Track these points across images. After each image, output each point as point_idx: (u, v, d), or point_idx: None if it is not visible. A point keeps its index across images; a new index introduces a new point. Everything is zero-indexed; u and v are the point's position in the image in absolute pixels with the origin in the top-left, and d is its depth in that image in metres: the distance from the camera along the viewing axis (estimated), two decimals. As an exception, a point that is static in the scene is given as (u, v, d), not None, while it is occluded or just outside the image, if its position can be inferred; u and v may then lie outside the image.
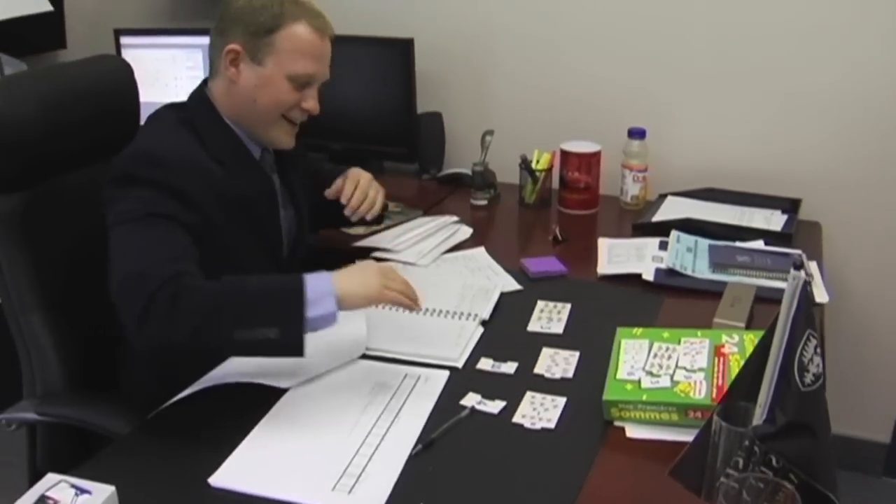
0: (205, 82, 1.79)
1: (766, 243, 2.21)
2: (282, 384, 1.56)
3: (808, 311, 1.02)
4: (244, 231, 1.72)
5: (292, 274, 1.52)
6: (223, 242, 1.66)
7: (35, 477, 1.84)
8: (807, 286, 0.98)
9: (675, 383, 1.47)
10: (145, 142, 1.68)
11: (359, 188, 1.94)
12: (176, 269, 1.48)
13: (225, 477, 1.33)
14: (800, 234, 2.29)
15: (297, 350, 1.46)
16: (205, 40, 2.84)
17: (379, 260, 2.08)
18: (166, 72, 2.92)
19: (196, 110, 1.75)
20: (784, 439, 1.01)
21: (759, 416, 1.04)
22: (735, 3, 2.47)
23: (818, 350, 1.02)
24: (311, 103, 1.74)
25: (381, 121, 2.70)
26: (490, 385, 1.58)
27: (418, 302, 1.64)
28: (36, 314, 1.79)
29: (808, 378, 1.01)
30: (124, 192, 1.60)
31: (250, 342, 1.45)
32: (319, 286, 1.49)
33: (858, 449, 2.70)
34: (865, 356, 2.64)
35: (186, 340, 1.44)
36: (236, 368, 1.58)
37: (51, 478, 1.23)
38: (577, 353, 1.69)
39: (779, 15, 2.44)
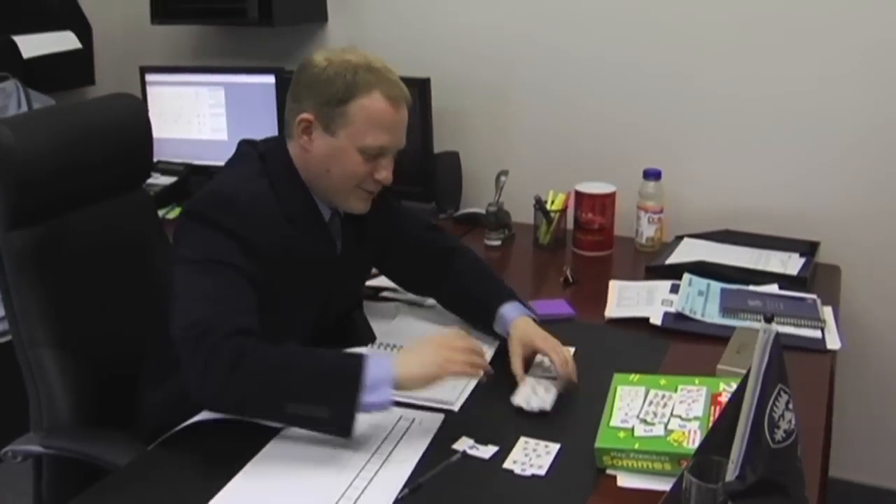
0: (280, 138, 1.77)
1: (780, 287, 2.18)
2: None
3: (779, 365, 1.00)
4: (298, 289, 1.70)
5: (355, 354, 1.53)
6: (276, 296, 1.63)
7: (40, 510, 1.86)
8: (778, 340, 0.96)
9: (668, 432, 1.45)
10: (228, 188, 1.65)
11: (560, 355, 1.74)
12: (242, 324, 1.50)
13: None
14: (817, 278, 2.26)
15: (345, 431, 1.47)
16: (228, 78, 2.95)
17: (387, 300, 2.09)
18: (189, 109, 2.97)
19: (275, 163, 1.72)
20: (754, 497, 0.99)
21: (731, 473, 1.02)
22: (752, 44, 2.46)
23: (790, 405, 1.01)
24: (384, 174, 1.71)
25: (399, 159, 2.69)
26: (484, 429, 1.56)
27: (487, 367, 1.62)
28: (45, 349, 1.81)
29: (780, 434, 0.99)
30: (195, 230, 1.60)
31: (300, 416, 1.48)
32: (379, 372, 1.48)
33: (879, 498, 2.64)
34: (887, 403, 2.58)
35: (238, 404, 1.49)
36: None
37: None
38: (576, 398, 1.68)
39: (796, 56, 2.43)
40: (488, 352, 1.82)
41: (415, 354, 1.56)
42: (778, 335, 0.97)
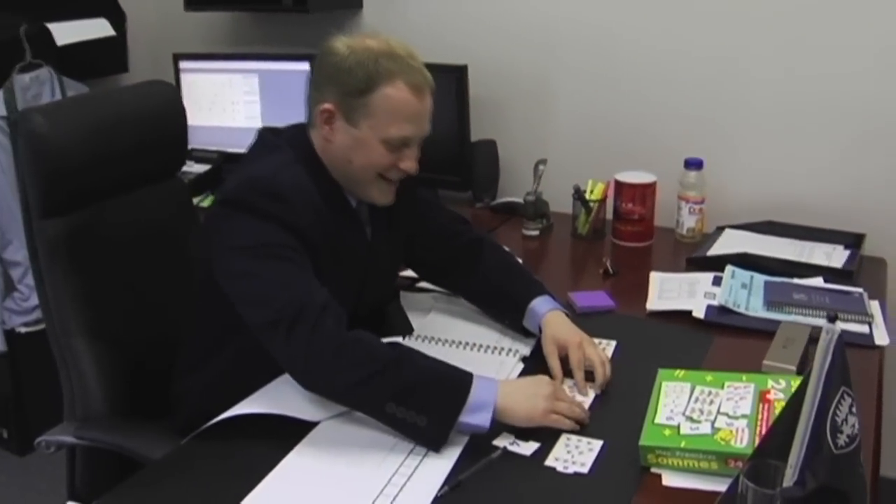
0: (300, 125, 1.73)
1: (825, 280, 2.12)
2: (312, 418, 1.53)
3: (843, 366, 0.95)
4: (333, 276, 1.65)
5: (463, 370, 1.51)
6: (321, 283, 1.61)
7: (75, 500, 1.85)
8: (842, 340, 0.92)
9: (715, 430, 1.41)
10: (268, 174, 1.61)
11: (600, 360, 1.69)
12: (328, 301, 1.51)
13: (249, 509, 1.31)
14: (863, 272, 2.20)
15: (435, 445, 1.45)
16: (262, 65, 2.92)
17: (424, 291, 2.05)
18: (224, 96, 2.95)
19: (301, 151, 1.68)
20: (813, 504, 0.95)
21: (789, 478, 0.98)
22: (798, 29, 2.40)
23: (853, 409, 0.96)
24: (409, 164, 1.67)
25: (435, 148, 2.62)
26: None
27: (585, 420, 1.55)
28: (79, 339, 1.81)
29: (842, 440, 0.95)
30: (240, 219, 1.57)
31: (396, 418, 1.46)
32: (484, 395, 1.47)
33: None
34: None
35: (348, 387, 1.48)
36: (269, 399, 1.56)
37: (72, 508, 1.23)
38: (618, 394, 1.64)
39: (843, 42, 2.37)
40: (524, 350, 1.79)
41: (522, 391, 1.53)
42: (842, 335, 0.92)
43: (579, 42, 2.66)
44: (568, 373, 1.68)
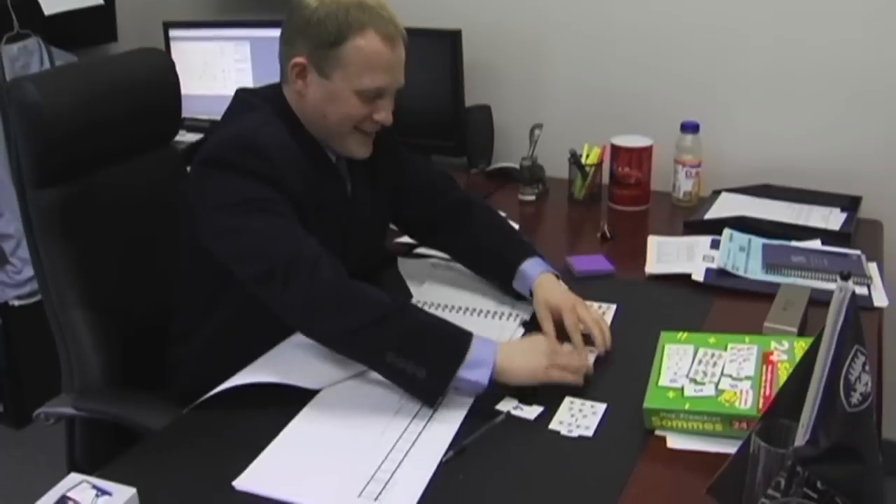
0: (275, 85, 1.73)
1: (823, 243, 2.12)
2: (313, 385, 1.52)
3: (856, 325, 0.95)
4: (314, 230, 1.64)
5: (465, 329, 1.51)
6: None
7: (74, 472, 1.84)
8: (854, 298, 0.91)
9: (719, 392, 1.41)
10: (248, 132, 1.60)
11: (595, 321, 1.68)
12: (319, 249, 1.52)
13: (250, 480, 1.30)
14: (859, 234, 2.20)
15: (430, 399, 1.47)
16: (253, 32, 2.88)
17: (421, 256, 2.04)
18: (214, 64, 2.91)
19: (277, 108, 1.67)
20: (828, 463, 0.94)
21: (801, 437, 0.97)
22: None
23: (866, 367, 0.96)
24: (383, 115, 1.65)
25: (429, 113, 2.65)
26: (527, 388, 1.52)
27: (589, 375, 1.55)
28: (76, 311, 1.79)
29: (855, 398, 0.95)
30: (222, 177, 1.56)
31: (396, 369, 1.47)
32: (483, 353, 1.48)
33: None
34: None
35: (349, 333, 1.48)
36: (269, 368, 1.55)
37: (73, 478, 1.22)
38: (620, 357, 1.63)
39: (837, 9, 2.35)
40: (524, 314, 1.78)
41: (520, 350, 1.54)
42: (854, 293, 0.92)
43: (574, 5, 2.63)
44: (565, 337, 1.66)
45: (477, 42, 2.67)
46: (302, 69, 1.62)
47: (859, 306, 1.76)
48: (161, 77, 1.96)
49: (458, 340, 1.48)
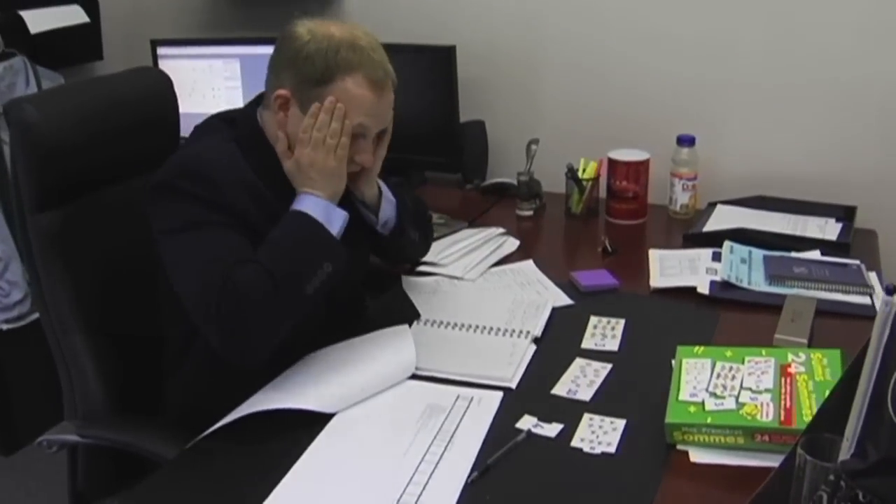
0: (257, 100, 1.70)
1: (822, 253, 2.13)
2: (329, 409, 1.50)
3: (901, 338, 0.95)
4: None
5: (285, 215, 1.56)
6: None
7: (76, 499, 1.81)
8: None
9: (740, 405, 1.40)
10: (193, 155, 1.60)
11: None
12: (225, 267, 1.46)
13: (274, 507, 1.28)
14: (856, 244, 2.21)
15: (347, 265, 1.56)
16: (242, 49, 2.86)
17: (423, 275, 2.03)
18: (204, 82, 2.89)
19: (244, 126, 1.65)
20: (876, 476, 0.94)
21: (846, 450, 0.97)
22: (786, 8, 2.40)
23: (915, 380, 0.95)
24: (364, 157, 1.62)
25: (424, 129, 2.64)
26: (545, 406, 1.52)
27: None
28: (77, 335, 1.76)
29: (903, 410, 0.94)
30: (166, 202, 1.55)
31: (319, 287, 1.51)
32: (316, 207, 1.55)
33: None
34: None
35: (266, 321, 1.47)
36: (282, 392, 1.53)
37: (96, 509, 1.20)
38: (635, 372, 1.63)
39: (831, 17, 2.37)
40: (535, 330, 1.76)
41: (312, 173, 1.57)
42: (901, 306, 0.92)
43: (568, 21, 2.64)
44: (580, 354, 1.67)
45: (471, 58, 2.66)
46: (285, 101, 1.58)
47: (863, 316, 1.81)
48: (159, 95, 1.95)
49: (307, 224, 1.54)
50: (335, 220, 1.57)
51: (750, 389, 1.44)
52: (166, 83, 1.97)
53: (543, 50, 2.69)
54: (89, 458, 1.79)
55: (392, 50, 1.67)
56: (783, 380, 1.45)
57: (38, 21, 2.78)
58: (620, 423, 1.47)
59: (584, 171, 2.46)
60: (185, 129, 2.78)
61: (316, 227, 1.53)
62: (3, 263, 2.80)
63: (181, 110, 2.00)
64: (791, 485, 1.03)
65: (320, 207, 1.55)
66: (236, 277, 1.45)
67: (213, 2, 3.15)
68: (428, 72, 2.60)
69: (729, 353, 1.55)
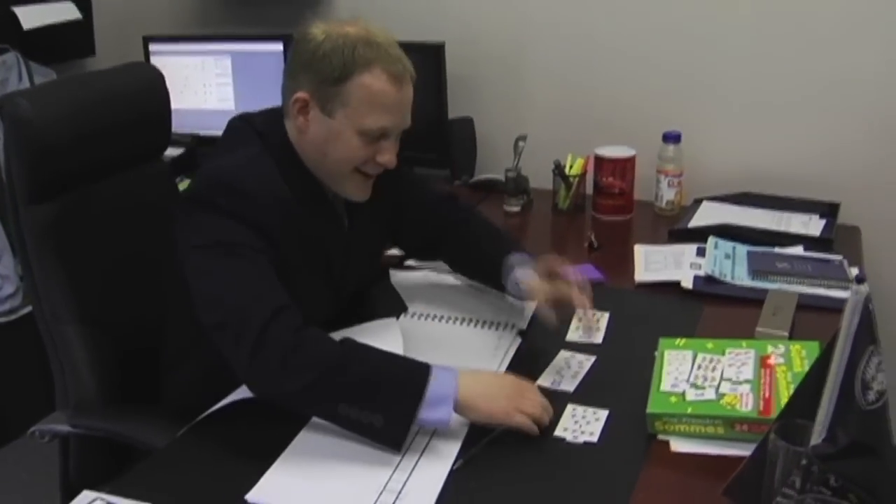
0: (276, 112, 1.66)
1: (805, 249, 2.16)
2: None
3: (869, 326, 0.98)
4: (312, 268, 1.64)
5: (420, 363, 1.44)
6: (291, 277, 1.53)
7: (67, 490, 1.83)
8: (868, 301, 0.94)
9: (720, 396, 1.43)
10: (230, 169, 1.56)
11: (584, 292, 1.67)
12: (277, 303, 1.43)
13: (263, 493, 1.31)
14: (839, 239, 2.24)
15: (395, 444, 1.39)
16: (234, 46, 2.88)
17: (411, 268, 2.06)
18: (196, 78, 2.91)
19: (274, 142, 1.61)
20: (845, 459, 0.97)
21: (817, 435, 1.00)
22: (772, 5, 2.43)
23: (882, 366, 0.99)
24: (387, 157, 1.59)
25: (412, 126, 2.66)
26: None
27: (545, 422, 1.46)
28: (69, 326, 1.78)
29: (871, 396, 0.97)
30: (202, 217, 1.52)
31: (351, 420, 1.40)
32: (442, 388, 1.40)
33: None
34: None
35: (296, 392, 1.40)
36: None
37: (86, 495, 1.22)
38: (618, 363, 1.66)
39: (816, 17, 2.40)
40: (521, 323, 1.80)
41: (484, 386, 1.46)
42: (869, 296, 0.95)
43: (556, 18, 2.67)
44: (565, 346, 1.70)
45: (459, 55, 2.69)
46: (304, 105, 1.56)
47: (840, 310, 1.83)
48: (152, 90, 1.97)
49: (414, 380, 1.40)
50: (435, 415, 1.41)
51: (730, 380, 1.47)
52: (159, 79, 1.99)
53: (531, 47, 2.72)
54: (81, 449, 1.82)
55: (381, 47, 1.68)
56: (763, 371, 1.48)
57: (30, 17, 2.80)
58: (603, 414, 1.49)
59: (570, 167, 2.49)
60: (175, 126, 2.82)
61: (416, 392, 1.39)
62: (-9, 258, 2.82)
63: (174, 107, 2.01)
64: (765, 470, 1.06)
65: (445, 393, 1.41)
66: (305, 335, 1.42)
67: (205, -1, 3.18)
68: (416, 69, 2.60)
69: (710, 345, 1.58)
